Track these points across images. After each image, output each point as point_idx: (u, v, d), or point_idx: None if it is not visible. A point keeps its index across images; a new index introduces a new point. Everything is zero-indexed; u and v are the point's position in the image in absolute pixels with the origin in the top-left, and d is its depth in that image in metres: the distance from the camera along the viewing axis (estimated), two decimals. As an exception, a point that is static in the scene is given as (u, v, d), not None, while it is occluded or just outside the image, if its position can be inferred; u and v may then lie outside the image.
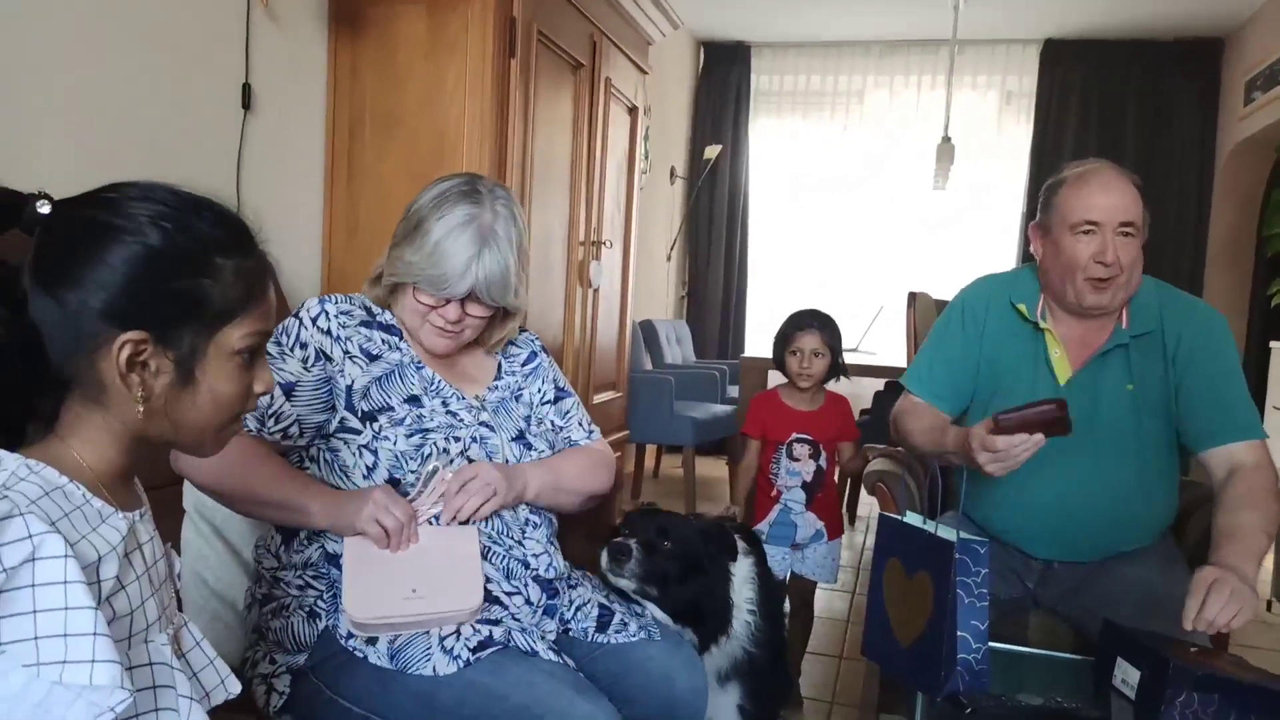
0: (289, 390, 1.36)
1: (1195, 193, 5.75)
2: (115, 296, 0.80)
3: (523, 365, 1.62)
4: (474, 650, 1.24)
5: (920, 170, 5.81)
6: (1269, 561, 3.46)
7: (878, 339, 5.07)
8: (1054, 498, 1.70)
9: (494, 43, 2.51)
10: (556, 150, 2.96)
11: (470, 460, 1.43)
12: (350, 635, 1.28)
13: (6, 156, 1.78)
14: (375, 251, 1.52)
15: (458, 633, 1.26)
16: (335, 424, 1.39)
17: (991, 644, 1.35)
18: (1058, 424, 1.45)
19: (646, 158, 5.11)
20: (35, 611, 0.72)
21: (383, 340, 1.46)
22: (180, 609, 0.95)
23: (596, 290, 3.32)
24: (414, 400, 1.43)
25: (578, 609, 1.43)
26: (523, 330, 1.65)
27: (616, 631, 1.41)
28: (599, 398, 3.45)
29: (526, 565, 1.42)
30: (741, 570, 1.76)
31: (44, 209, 0.81)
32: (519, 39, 2.58)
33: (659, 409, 4.49)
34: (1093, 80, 5.88)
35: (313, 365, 1.39)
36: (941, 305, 2.53)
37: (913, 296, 2.64)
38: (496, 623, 1.31)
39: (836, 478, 2.57)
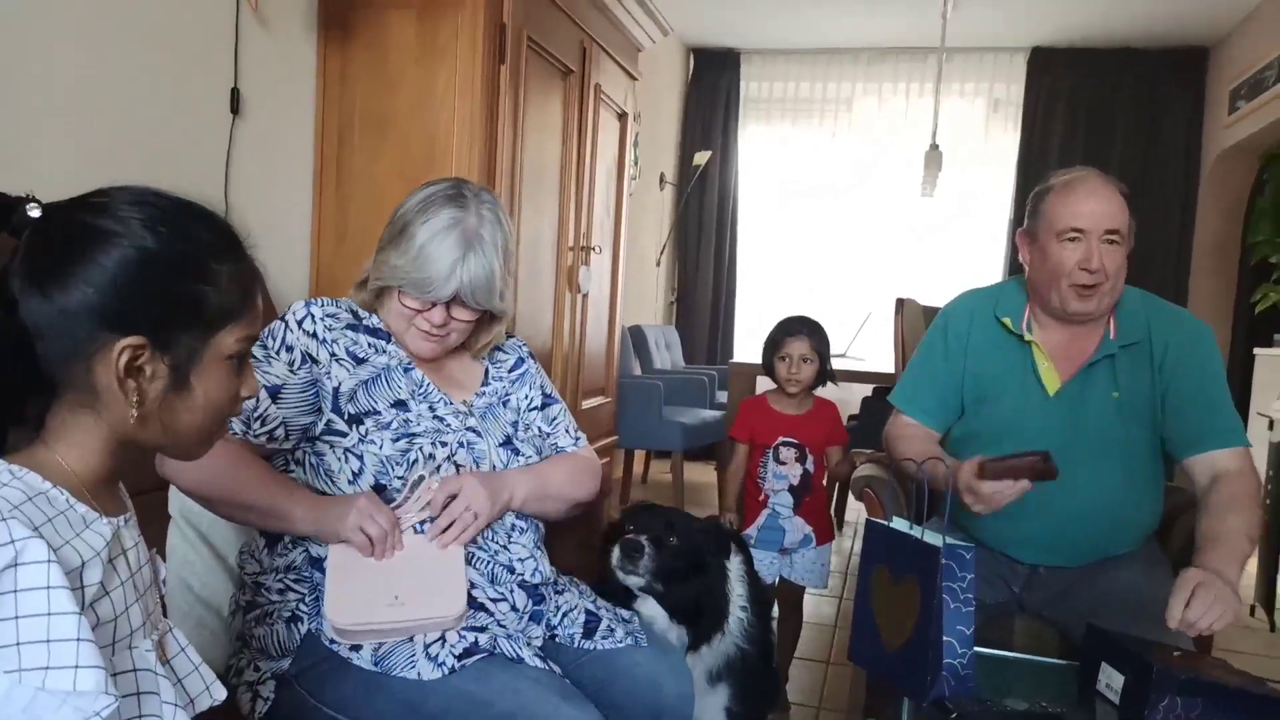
0: (275, 393, 1.36)
1: (1181, 200, 5.79)
2: (115, 301, 0.80)
3: (510, 371, 1.62)
4: (459, 657, 1.24)
5: (908, 177, 5.84)
6: (1252, 566, 3.49)
7: (866, 345, 5.09)
8: (1040, 504, 1.71)
9: (484, 48, 2.51)
10: (546, 156, 2.96)
11: (457, 466, 1.43)
12: (334, 641, 1.28)
13: (-8, 160, 1.77)
14: (364, 256, 1.52)
15: (443, 639, 1.26)
16: (321, 427, 1.39)
17: (977, 649, 1.36)
18: (1043, 472, 1.50)
19: (636, 163, 5.11)
20: (17, 617, 0.72)
21: (369, 344, 1.46)
22: (165, 615, 0.95)
23: (586, 296, 3.33)
24: (401, 405, 1.43)
25: (564, 615, 1.42)
26: (510, 336, 1.65)
27: (603, 637, 1.41)
28: (588, 403, 3.45)
29: (512, 570, 1.42)
30: (734, 568, 1.78)
31: (34, 212, 0.81)
32: (509, 45, 2.58)
33: (648, 414, 4.50)
34: (1080, 88, 5.92)
35: (299, 368, 1.38)
36: (929, 311, 2.55)
37: (900, 303, 2.65)
38: (482, 629, 1.31)
39: (825, 482, 2.58)
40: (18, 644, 0.72)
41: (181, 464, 1.25)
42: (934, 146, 5.31)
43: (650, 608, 1.63)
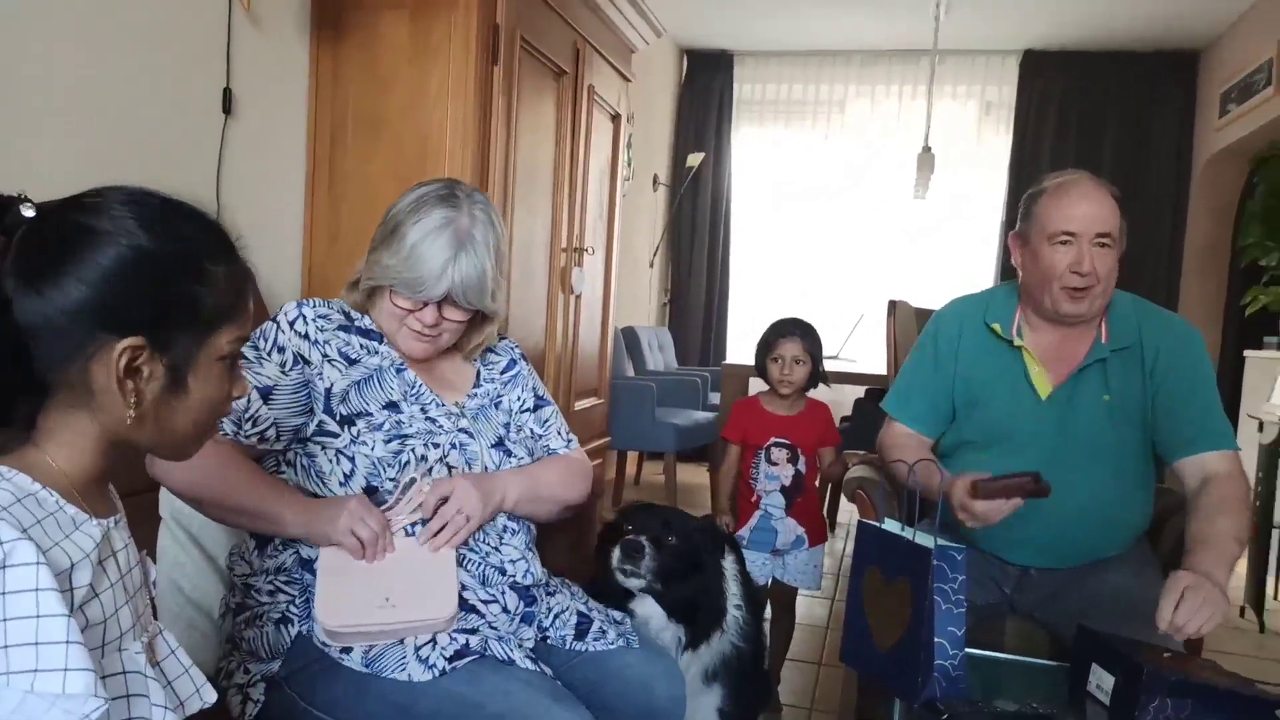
0: (266, 394, 1.36)
1: (1172, 202, 5.82)
2: (113, 301, 0.80)
3: (502, 373, 1.62)
4: (450, 659, 1.23)
5: (901, 179, 5.85)
6: (1241, 568, 3.50)
7: (858, 347, 5.10)
8: (1031, 505, 1.71)
9: (477, 49, 2.51)
10: (539, 157, 2.96)
11: (450, 467, 1.43)
12: (325, 643, 1.27)
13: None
14: (356, 257, 1.52)
15: (433, 642, 1.26)
16: (313, 428, 1.39)
17: (968, 650, 1.36)
18: (1034, 491, 1.53)
19: (629, 165, 5.12)
20: (6, 619, 0.72)
21: (361, 345, 1.46)
22: (155, 617, 0.94)
23: (579, 297, 3.32)
24: (393, 406, 1.42)
25: (556, 616, 1.42)
26: (502, 338, 1.65)
27: (595, 639, 1.41)
28: (580, 404, 3.45)
29: (503, 572, 1.42)
30: (728, 567, 1.79)
31: (28, 212, 0.80)
32: (502, 45, 2.58)
33: (641, 416, 4.50)
34: (1071, 91, 5.94)
35: (290, 369, 1.38)
36: (922, 314, 2.55)
37: (893, 305, 2.65)
38: (473, 631, 1.31)
39: (817, 484, 2.58)
40: (6, 647, 0.72)
41: (171, 465, 1.25)
42: (926, 149, 5.33)
43: (648, 607, 1.64)
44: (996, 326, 1.81)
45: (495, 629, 1.34)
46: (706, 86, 6.48)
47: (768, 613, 2.50)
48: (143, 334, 0.81)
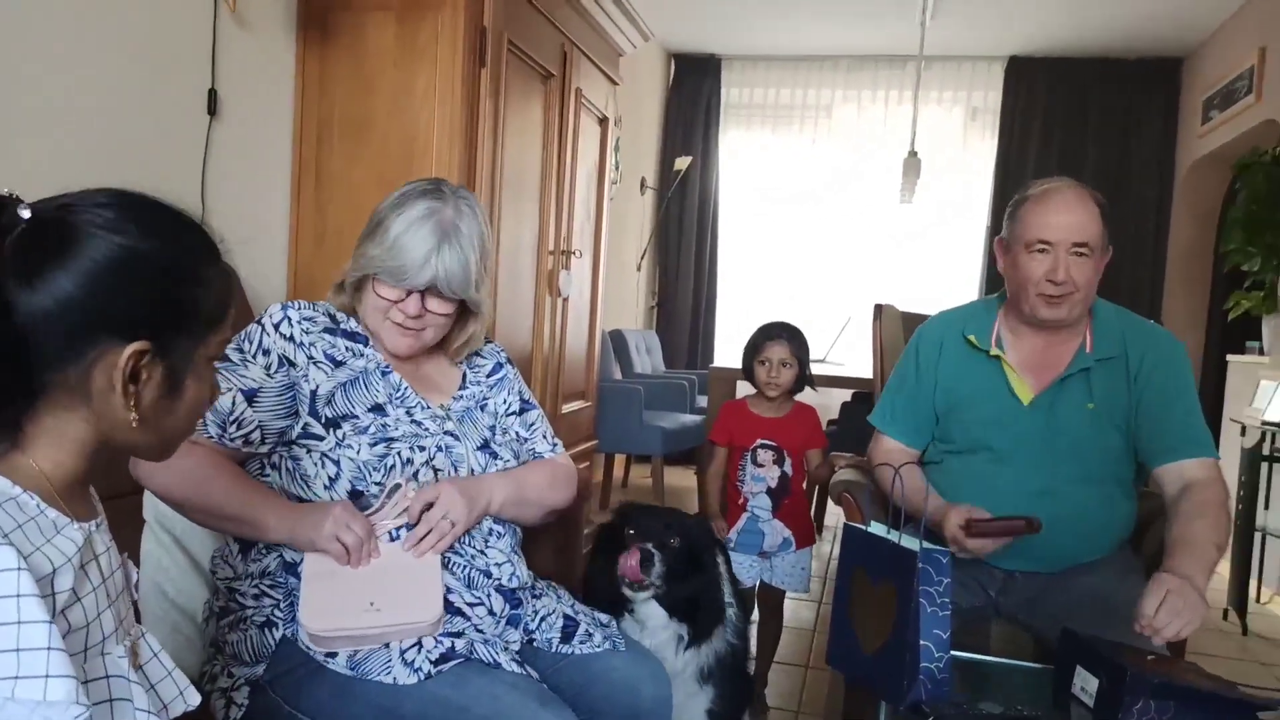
0: (251, 396, 1.35)
1: (1155, 208, 5.87)
2: (117, 307, 0.80)
3: (488, 376, 1.61)
4: (436, 663, 1.23)
5: (887, 184, 5.88)
6: (1225, 570, 3.53)
7: (845, 350, 5.12)
8: (1016, 510, 1.73)
9: (464, 51, 2.51)
10: (526, 159, 2.96)
11: (436, 470, 1.42)
12: (309, 648, 1.27)
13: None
14: (342, 259, 1.52)
15: (419, 645, 1.25)
16: (298, 430, 1.38)
17: (954, 653, 1.37)
18: (1027, 532, 1.61)
19: (617, 168, 5.12)
20: (-14, 625, 0.71)
21: (347, 347, 1.45)
22: (138, 620, 0.94)
23: (566, 300, 3.32)
24: (378, 409, 1.42)
25: (542, 619, 1.42)
26: (488, 341, 1.65)
27: (581, 642, 1.41)
28: (568, 407, 3.44)
29: (489, 575, 1.41)
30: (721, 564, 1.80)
31: (25, 213, 0.80)
32: (489, 48, 2.58)
33: (628, 419, 4.50)
34: (1056, 97, 5.99)
35: (275, 371, 1.38)
36: (908, 318, 2.56)
37: (879, 309, 2.66)
38: (459, 634, 1.30)
39: (805, 486, 2.59)
40: (-14, 652, 0.71)
41: (154, 467, 1.24)
42: (913, 154, 5.35)
43: (648, 606, 1.65)
44: (973, 338, 1.83)
45: (481, 632, 1.34)
46: (694, 90, 6.49)
47: (754, 615, 2.51)
48: (148, 338, 0.81)
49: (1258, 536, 3.59)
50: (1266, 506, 3.63)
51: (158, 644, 0.92)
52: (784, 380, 2.48)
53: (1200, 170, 5.55)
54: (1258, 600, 3.75)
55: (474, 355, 1.61)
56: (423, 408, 1.46)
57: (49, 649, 0.72)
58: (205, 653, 1.39)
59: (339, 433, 1.38)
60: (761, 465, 2.48)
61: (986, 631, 1.85)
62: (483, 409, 1.57)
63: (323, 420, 1.38)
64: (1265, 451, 3.55)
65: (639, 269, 6.27)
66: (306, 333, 1.42)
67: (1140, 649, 1.44)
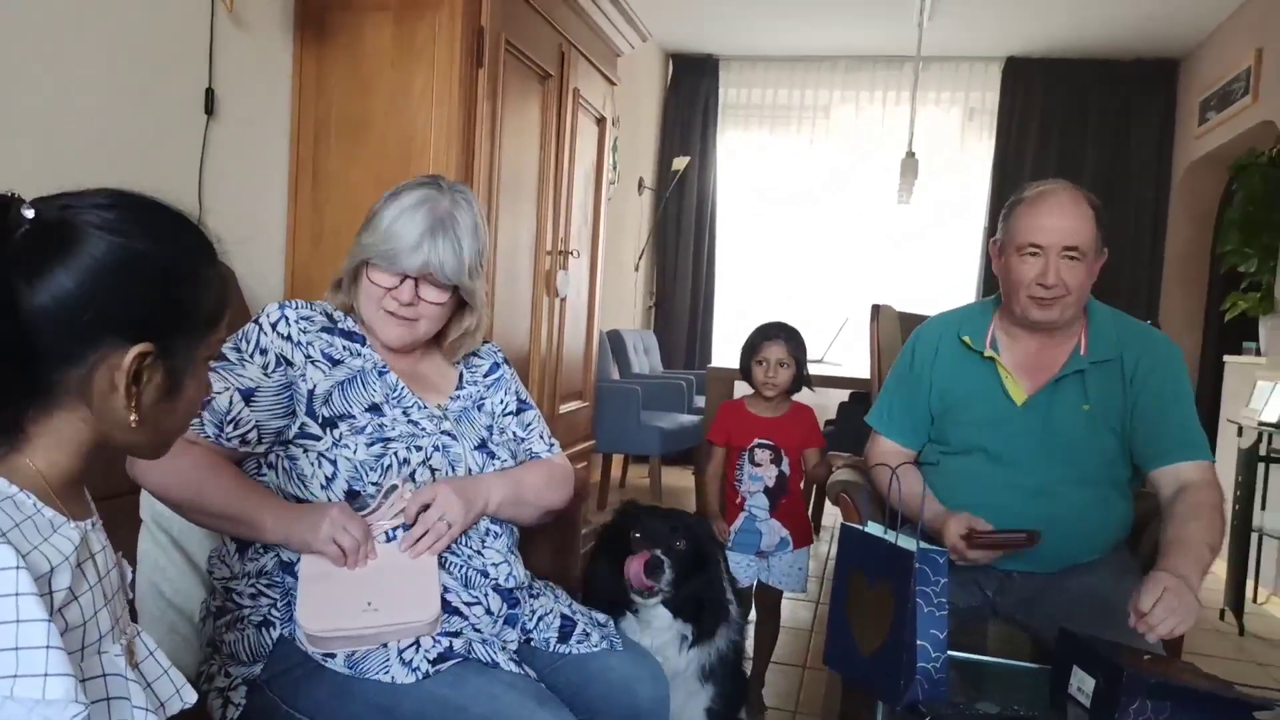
0: (248, 396, 1.35)
1: (1152, 209, 5.88)
2: (121, 308, 0.80)
3: (485, 376, 1.61)
4: (433, 662, 1.23)
5: (885, 184, 5.88)
6: (1221, 571, 3.54)
7: (842, 351, 5.12)
8: (1013, 511, 1.73)
9: (461, 51, 2.51)
10: (524, 160, 2.96)
11: (433, 470, 1.42)
12: (307, 649, 1.27)
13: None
14: (339, 259, 1.52)
15: (417, 644, 1.25)
16: (295, 430, 1.38)
17: (951, 653, 1.37)
18: (1026, 546, 1.63)
19: (615, 168, 5.12)
20: (-15, 624, 0.71)
21: (344, 346, 1.45)
22: (134, 619, 0.94)
23: (564, 300, 3.32)
24: (375, 409, 1.42)
25: (540, 619, 1.42)
26: (485, 342, 1.65)
27: (578, 642, 1.41)
28: (565, 407, 3.44)
29: (486, 574, 1.41)
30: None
31: (29, 213, 0.80)
32: (487, 48, 2.58)
33: (626, 419, 4.50)
34: (1054, 98, 6.00)
35: (273, 371, 1.37)
36: (905, 318, 2.57)
37: (876, 309, 2.66)
38: (456, 634, 1.30)
39: (802, 486, 2.59)
40: (-16, 651, 0.71)
41: (150, 466, 1.25)
42: (910, 154, 5.35)
43: (654, 608, 1.65)
44: (967, 339, 1.84)
45: (479, 631, 1.34)
46: (692, 91, 6.49)
47: (751, 615, 2.51)
48: (152, 339, 0.82)
49: (1254, 537, 3.60)
50: (1263, 507, 3.63)
51: (153, 642, 0.92)
52: (781, 380, 2.49)
53: (1197, 171, 5.56)
54: (1254, 600, 3.76)
55: (471, 355, 1.61)
56: (420, 408, 1.46)
57: (47, 647, 0.72)
58: (202, 652, 1.39)
59: (336, 432, 1.38)
60: (759, 465, 2.48)
61: (983, 631, 1.85)
62: (480, 409, 1.57)
63: (319, 420, 1.38)
64: (1262, 452, 3.56)
65: (637, 269, 6.27)
66: (304, 332, 1.42)
67: (1137, 649, 1.44)
